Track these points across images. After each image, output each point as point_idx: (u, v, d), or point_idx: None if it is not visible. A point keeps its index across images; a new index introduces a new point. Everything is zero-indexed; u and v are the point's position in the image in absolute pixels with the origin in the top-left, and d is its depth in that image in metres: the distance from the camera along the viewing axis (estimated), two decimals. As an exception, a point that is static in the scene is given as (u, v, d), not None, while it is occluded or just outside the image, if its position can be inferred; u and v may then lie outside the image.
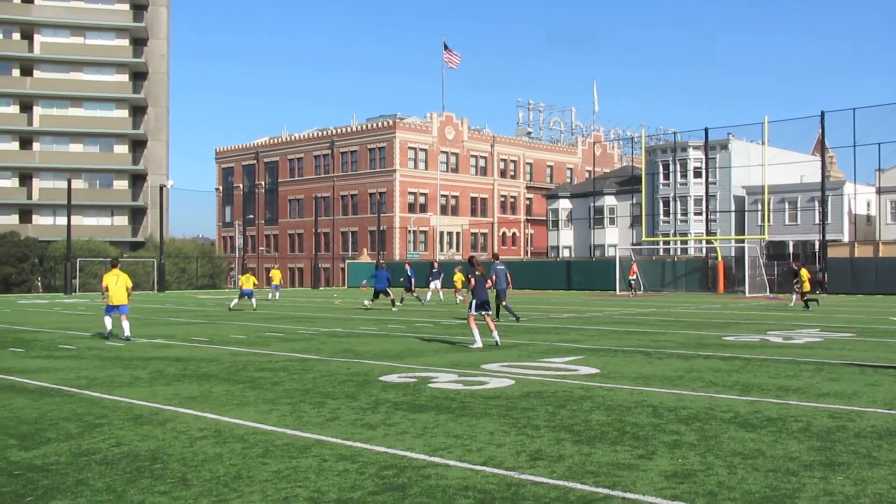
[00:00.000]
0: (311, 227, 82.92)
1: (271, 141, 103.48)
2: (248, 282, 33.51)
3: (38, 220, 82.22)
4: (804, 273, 32.19)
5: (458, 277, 36.99)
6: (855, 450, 7.29)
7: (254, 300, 32.92)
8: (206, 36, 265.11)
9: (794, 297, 33.80)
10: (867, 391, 10.74)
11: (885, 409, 9.34)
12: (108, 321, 19.41)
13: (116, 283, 19.22)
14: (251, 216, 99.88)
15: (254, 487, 6.08)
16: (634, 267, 49.91)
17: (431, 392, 10.65)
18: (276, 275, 42.63)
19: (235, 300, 33.52)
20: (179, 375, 12.48)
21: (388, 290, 31.76)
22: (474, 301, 16.78)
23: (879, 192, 61.41)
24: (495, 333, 16.85)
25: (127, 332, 18.83)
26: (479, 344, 16.41)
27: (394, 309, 31.84)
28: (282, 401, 10.02)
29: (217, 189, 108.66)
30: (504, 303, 24.44)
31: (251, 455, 7.12)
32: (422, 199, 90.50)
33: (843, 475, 6.41)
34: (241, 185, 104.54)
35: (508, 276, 24.50)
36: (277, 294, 42.45)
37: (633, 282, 49.00)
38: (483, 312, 16.86)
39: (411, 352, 15.93)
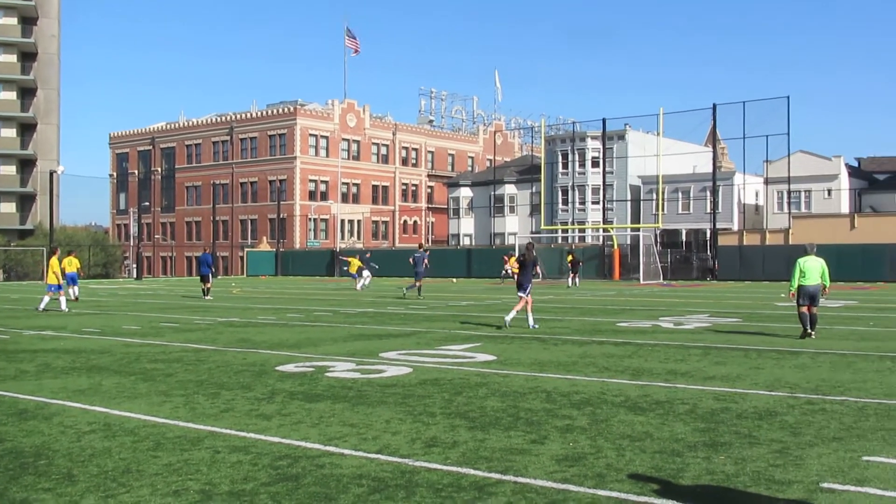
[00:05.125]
0: (209, 214, 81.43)
1: (168, 126, 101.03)
2: (70, 265, 28.70)
3: (-84, 206, 78.65)
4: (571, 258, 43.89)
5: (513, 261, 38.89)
6: (737, 430, 7.59)
7: (76, 289, 29.04)
8: (101, 20, 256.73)
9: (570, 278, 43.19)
10: (750, 374, 11.16)
11: (766, 391, 9.73)
12: (46, 299, 25.49)
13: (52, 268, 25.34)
14: (146, 203, 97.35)
15: (143, 481, 5.97)
16: (506, 258, 50.99)
17: (328, 381, 10.62)
18: (354, 263, 42.11)
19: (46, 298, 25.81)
20: (68, 368, 12.13)
21: (209, 276, 31.15)
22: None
23: (767, 182, 63.61)
24: (530, 316, 18.31)
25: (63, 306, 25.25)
26: (509, 316, 18.35)
27: (207, 298, 30.66)
28: (175, 392, 9.85)
29: (111, 175, 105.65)
30: (417, 283, 31.16)
31: (141, 448, 6.99)
32: (322, 187, 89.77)
33: (724, 454, 6.67)
34: (136, 172, 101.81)
35: (426, 261, 30.98)
36: (367, 281, 40.08)
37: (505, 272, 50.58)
38: (519, 294, 18.37)
39: (310, 341, 15.83)
